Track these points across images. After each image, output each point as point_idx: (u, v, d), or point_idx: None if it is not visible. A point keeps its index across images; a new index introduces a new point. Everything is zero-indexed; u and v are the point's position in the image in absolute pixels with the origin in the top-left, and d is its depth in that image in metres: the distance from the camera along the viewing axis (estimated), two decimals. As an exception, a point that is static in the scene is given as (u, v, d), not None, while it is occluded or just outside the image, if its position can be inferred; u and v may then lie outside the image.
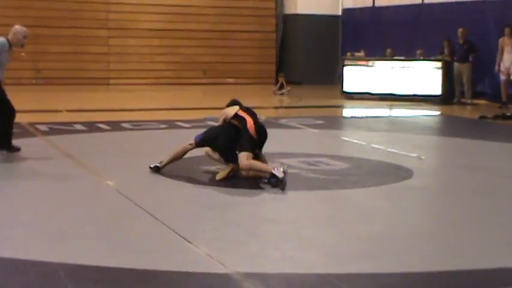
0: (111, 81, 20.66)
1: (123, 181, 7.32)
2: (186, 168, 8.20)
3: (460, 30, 16.28)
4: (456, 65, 16.41)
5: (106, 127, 11.47)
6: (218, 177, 7.47)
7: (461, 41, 16.35)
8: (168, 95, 18.45)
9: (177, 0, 21.12)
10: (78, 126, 11.46)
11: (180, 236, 5.30)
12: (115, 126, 11.61)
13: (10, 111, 8.73)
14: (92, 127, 11.43)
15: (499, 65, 15.36)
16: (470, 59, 16.22)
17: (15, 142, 8.86)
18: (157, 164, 7.78)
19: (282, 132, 11.13)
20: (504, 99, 15.35)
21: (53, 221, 5.79)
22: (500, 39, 15.30)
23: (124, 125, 11.77)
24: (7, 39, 8.56)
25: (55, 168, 8.19)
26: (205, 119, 12.57)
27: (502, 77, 15.39)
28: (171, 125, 11.95)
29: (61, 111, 14.00)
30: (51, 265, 4.63)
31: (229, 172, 7.48)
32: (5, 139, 8.72)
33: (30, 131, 10.83)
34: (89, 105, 15.41)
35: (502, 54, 15.30)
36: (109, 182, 7.25)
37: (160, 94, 18.66)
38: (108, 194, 6.83)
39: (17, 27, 8.67)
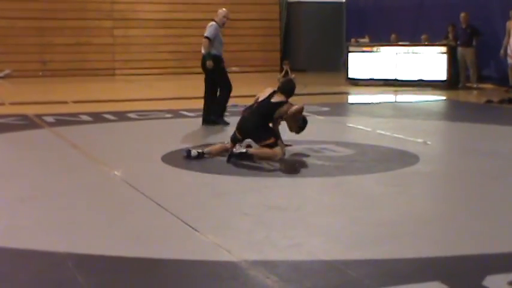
0: (117, 71, 20.69)
1: (129, 171, 7.35)
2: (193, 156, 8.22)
3: (462, 15, 16.22)
4: (460, 49, 16.36)
5: (112, 117, 11.50)
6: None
7: (463, 26, 16.29)
8: (173, 85, 18.45)
9: (180, -10, 21.09)
10: (85, 117, 11.49)
11: (187, 224, 5.32)
12: (121, 116, 11.63)
13: (229, 86, 10.61)
14: (98, 118, 11.46)
15: (505, 49, 15.25)
16: (474, 43, 16.16)
17: (21, 134, 8.89)
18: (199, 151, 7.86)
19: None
20: (511, 83, 15.28)
21: (61, 211, 5.82)
22: (507, 22, 15.18)
23: (130, 115, 11.79)
24: (216, 22, 10.60)
25: (62, 158, 8.23)
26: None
27: (510, 61, 15.28)
28: (176, 114, 11.97)
29: (67, 102, 14.03)
30: (60, 255, 4.66)
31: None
32: (220, 113, 10.55)
33: (37, 122, 10.87)
34: (94, 96, 15.44)
35: (509, 37, 15.18)
36: (116, 172, 7.27)
37: (166, 84, 18.67)
38: (115, 184, 6.86)
39: (219, 10, 10.79)
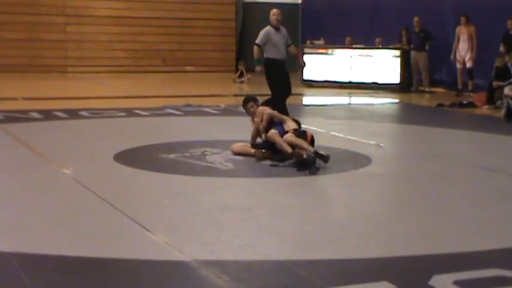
0: (69, 69, 20.39)
1: (80, 170, 7.24)
2: (145, 156, 8.16)
3: (415, 19, 16.44)
4: (413, 53, 16.57)
5: (63, 115, 11.32)
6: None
7: (417, 30, 16.51)
8: (127, 83, 18.28)
9: (136, -12, 20.91)
10: (35, 114, 11.29)
11: (138, 224, 5.26)
12: (72, 114, 11.46)
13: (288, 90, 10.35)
14: (48, 115, 11.27)
15: (455, 54, 15.53)
16: (427, 47, 16.39)
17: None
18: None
19: (242, 120, 11.07)
20: (460, 87, 15.55)
21: (8, 210, 5.70)
22: (457, 28, 15.46)
23: (82, 113, 11.62)
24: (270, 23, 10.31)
25: (10, 156, 8.07)
26: (164, 107, 12.50)
27: (458, 66, 15.57)
28: (129, 113, 11.84)
29: (17, 99, 13.76)
30: (4, 255, 4.55)
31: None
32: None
33: (-15, 119, 10.64)
34: (45, 93, 15.18)
35: (458, 42, 15.46)
36: (66, 171, 7.15)
37: (119, 82, 18.47)
38: (64, 183, 6.74)
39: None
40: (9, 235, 5.02)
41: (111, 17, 20.71)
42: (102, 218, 5.53)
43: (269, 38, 10.22)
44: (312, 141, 7.78)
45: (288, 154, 7.54)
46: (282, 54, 10.30)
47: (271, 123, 8.03)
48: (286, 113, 9.09)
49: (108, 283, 4.18)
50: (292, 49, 10.68)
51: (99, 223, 5.38)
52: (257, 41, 10.34)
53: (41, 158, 7.88)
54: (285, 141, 7.57)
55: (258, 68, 10.35)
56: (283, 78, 10.36)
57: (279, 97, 10.26)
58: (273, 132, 7.76)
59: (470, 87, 15.15)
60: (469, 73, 15.36)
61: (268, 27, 10.34)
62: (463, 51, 15.36)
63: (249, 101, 8.46)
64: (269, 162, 7.66)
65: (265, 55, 10.28)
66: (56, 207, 5.86)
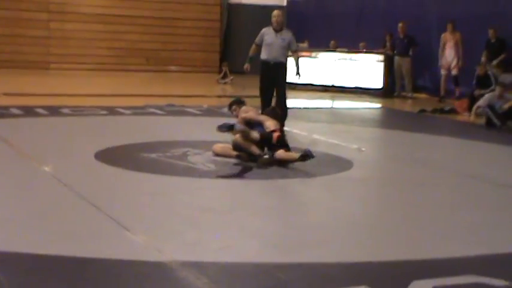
0: (52, 65, 20.26)
1: (60, 167, 7.18)
2: (126, 154, 8.11)
3: (400, 24, 16.50)
4: (396, 58, 16.64)
5: (44, 112, 11.24)
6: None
7: (401, 35, 16.58)
8: (109, 81, 18.19)
9: (121, -14, 20.82)
10: (15, 111, 11.19)
11: (118, 223, 5.22)
12: (53, 111, 11.38)
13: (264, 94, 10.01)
14: (29, 112, 11.17)
15: (441, 60, 15.59)
16: (410, 53, 16.46)
17: None
18: None
19: (224, 121, 11.08)
20: (442, 93, 15.64)
21: (-14, 206, 5.63)
22: (443, 35, 15.54)
23: (63, 110, 11.54)
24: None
25: (-10, 153, 7.98)
26: (146, 106, 12.45)
27: (443, 72, 15.64)
28: (111, 111, 11.77)
29: (-2, 94, 13.65)
30: (-18, 252, 4.50)
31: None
32: None
33: (-36, 114, 10.53)
34: (27, 89, 15.06)
35: (443, 49, 15.54)
36: (46, 168, 7.09)
37: (102, 80, 18.39)
38: (44, 180, 6.68)
39: None
40: (-14, 232, 4.96)
41: (95, 14, 20.62)
42: (81, 216, 5.48)
43: (263, 37, 10.15)
44: (278, 142, 7.75)
45: (256, 155, 7.61)
46: (273, 56, 10.06)
47: (252, 125, 8.03)
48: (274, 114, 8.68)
49: (85, 282, 4.14)
50: (295, 56, 10.42)
51: (78, 222, 5.33)
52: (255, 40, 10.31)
53: (20, 155, 7.80)
54: (278, 156, 7.57)
55: (245, 66, 10.29)
56: (262, 81, 10.22)
57: (261, 98, 10.15)
58: (237, 137, 7.79)
59: (456, 94, 15.23)
60: (455, 80, 15.43)
61: (267, 27, 10.26)
62: (450, 58, 15.44)
63: (233, 104, 8.52)
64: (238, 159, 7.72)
65: (262, 56, 10.18)
66: (34, 204, 5.80)
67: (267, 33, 10.12)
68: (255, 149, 7.70)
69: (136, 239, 4.91)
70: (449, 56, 15.46)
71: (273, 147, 7.70)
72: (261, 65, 10.15)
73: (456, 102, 14.42)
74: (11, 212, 5.51)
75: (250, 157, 7.70)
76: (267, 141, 7.77)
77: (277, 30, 10.12)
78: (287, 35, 10.21)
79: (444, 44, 15.50)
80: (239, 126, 7.91)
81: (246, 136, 7.77)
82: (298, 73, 10.34)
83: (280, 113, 9.14)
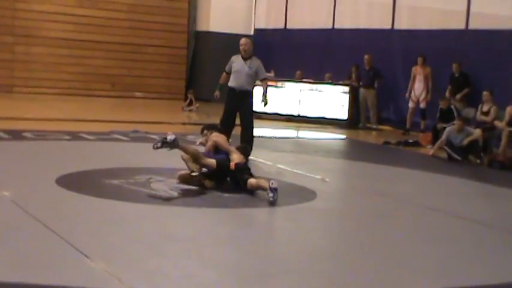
0: (15, 88, 20.01)
1: (20, 192, 7.05)
2: (88, 180, 8.01)
3: (366, 56, 16.69)
4: (362, 90, 16.79)
5: (5, 136, 11.06)
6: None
7: (367, 67, 16.77)
8: (74, 106, 18.03)
9: (87, 11, 20.70)
10: (-24, 134, 11.01)
11: (78, 250, 5.13)
12: (15, 135, 11.21)
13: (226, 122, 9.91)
14: (-9, 135, 11.00)
15: (410, 93, 15.76)
16: (376, 85, 16.64)
17: None
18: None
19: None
20: (408, 126, 15.79)
21: None
22: (413, 68, 15.71)
23: (25, 134, 11.38)
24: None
25: None
26: (111, 132, 12.35)
27: (411, 105, 15.78)
28: (75, 136, 11.65)
29: (-41, 117, 13.41)
30: None
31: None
32: None
33: None
34: (-11, 112, 14.84)
35: (413, 82, 15.72)
36: (5, 193, 6.96)
37: (67, 105, 18.22)
38: (3, 205, 6.54)
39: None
40: None
41: (60, 38, 20.47)
42: (41, 242, 5.38)
43: (231, 64, 10.22)
44: (236, 168, 7.76)
45: (213, 169, 7.76)
46: (240, 84, 10.06)
47: (217, 151, 8.02)
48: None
49: (42, 311, 4.05)
50: (263, 84, 10.44)
51: (37, 248, 5.23)
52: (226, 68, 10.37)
53: (-21, 179, 7.65)
54: (249, 184, 7.58)
55: (215, 93, 10.31)
56: (226, 107, 10.22)
57: (222, 125, 9.96)
58: (186, 156, 7.84)
59: (422, 126, 15.38)
60: (422, 113, 15.61)
61: (236, 55, 10.32)
62: (418, 91, 15.62)
63: (204, 128, 8.58)
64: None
65: (230, 83, 10.20)
66: (-8, 229, 5.67)
67: (235, 61, 10.19)
68: (192, 166, 7.76)
69: (97, 267, 4.83)
70: (417, 89, 15.64)
71: (241, 176, 7.68)
72: (228, 92, 10.17)
73: (421, 135, 14.58)
74: (-33, 237, 5.38)
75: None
76: (224, 169, 7.77)
77: (245, 58, 10.16)
78: (255, 63, 10.24)
79: (414, 77, 15.69)
80: (192, 147, 7.93)
81: (196, 159, 7.77)
82: (264, 101, 10.35)
83: (249, 149, 9.17)
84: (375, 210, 7.60)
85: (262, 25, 21.48)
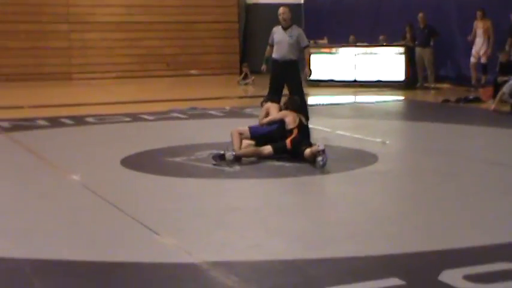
0: (74, 75, 20.46)
1: (88, 175, 7.26)
2: (152, 160, 8.18)
3: (420, 15, 16.41)
4: (418, 49, 16.54)
5: (69, 122, 11.36)
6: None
7: (421, 26, 16.48)
8: (131, 88, 18.32)
9: (138, -8, 20.96)
10: (41, 122, 11.33)
11: (147, 227, 5.28)
12: (79, 120, 11.50)
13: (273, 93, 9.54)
14: (55, 122, 11.31)
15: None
16: (431, 43, 16.36)
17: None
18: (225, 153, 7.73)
19: (248, 121, 11.10)
20: (474, 81, 15.48)
21: (18, 217, 5.73)
22: (474, 22, 15.38)
23: (88, 119, 11.66)
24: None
25: (19, 164, 8.10)
26: (170, 111, 12.53)
27: (473, 60, 15.49)
28: (135, 117, 11.87)
29: (23, 107, 13.81)
30: (16, 261, 4.58)
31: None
32: None
33: (-9, 128, 10.69)
34: (51, 100, 15.21)
35: (474, 37, 15.39)
36: (74, 177, 7.18)
37: (124, 87, 18.53)
38: (73, 189, 6.77)
39: None
40: (20, 242, 5.05)
41: (114, 22, 20.78)
42: (111, 222, 5.55)
43: (273, 36, 10.05)
44: (293, 144, 7.80)
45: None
46: (282, 54, 9.81)
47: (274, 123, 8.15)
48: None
49: (118, 287, 4.20)
50: (304, 53, 10.14)
51: (108, 228, 5.40)
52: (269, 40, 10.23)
53: (48, 165, 7.91)
54: (306, 156, 7.60)
55: (262, 67, 10.31)
56: (271, 79, 9.95)
57: (269, 97, 9.65)
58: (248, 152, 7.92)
59: (483, 81, 15.10)
60: (483, 68, 15.29)
61: (276, 26, 10.11)
62: (478, 46, 15.30)
63: (263, 101, 8.93)
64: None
65: (273, 55, 9.99)
66: (65, 213, 5.88)
67: (276, 32, 10.00)
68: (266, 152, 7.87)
69: (166, 242, 4.96)
70: (477, 44, 15.32)
71: (299, 150, 7.71)
72: (272, 64, 10.06)
73: (481, 90, 14.31)
74: (42, 222, 5.60)
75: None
76: (282, 151, 7.83)
77: (285, 28, 9.92)
78: (295, 31, 10.03)
79: (475, 32, 15.33)
80: (245, 151, 7.95)
81: (258, 156, 7.85)
82: (310, 71, 10.23)
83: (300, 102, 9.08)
84: (437, 169, 7.54)
85: (311, -7, 21.32)
